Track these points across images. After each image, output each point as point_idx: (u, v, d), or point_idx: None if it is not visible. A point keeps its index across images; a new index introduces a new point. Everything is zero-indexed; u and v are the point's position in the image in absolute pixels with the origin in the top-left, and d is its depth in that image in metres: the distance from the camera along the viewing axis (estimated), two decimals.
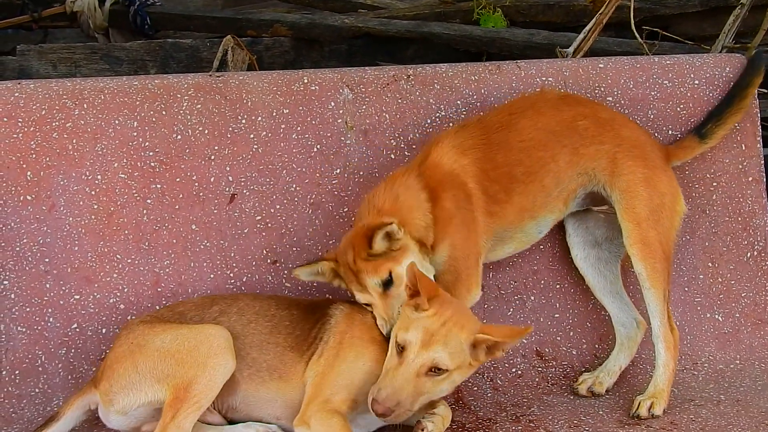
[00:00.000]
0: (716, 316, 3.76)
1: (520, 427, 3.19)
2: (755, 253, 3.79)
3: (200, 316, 3.15)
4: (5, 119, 3.41)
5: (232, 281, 3.49)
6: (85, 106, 3.47)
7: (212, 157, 3.52)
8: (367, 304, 3.14)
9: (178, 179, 3.49)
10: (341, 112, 3.63)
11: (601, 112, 3.51)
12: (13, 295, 3.37)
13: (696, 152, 3.70)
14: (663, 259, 3.34)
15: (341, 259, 3.17)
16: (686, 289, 3.73)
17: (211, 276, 3.48)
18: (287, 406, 3.07)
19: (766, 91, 4.65)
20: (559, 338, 3.63)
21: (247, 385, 3.06)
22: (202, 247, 3.49)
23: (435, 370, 2.86)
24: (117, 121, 3.48)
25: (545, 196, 3.40)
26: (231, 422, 3.09)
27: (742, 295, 3.79)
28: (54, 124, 3.43)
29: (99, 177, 3.44)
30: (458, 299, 3.11)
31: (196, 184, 3.50)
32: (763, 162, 3.88)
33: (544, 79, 3.77)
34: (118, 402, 2.98)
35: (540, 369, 3.57)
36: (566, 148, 3.40)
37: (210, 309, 3.17)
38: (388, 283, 3.10)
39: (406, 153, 3.63)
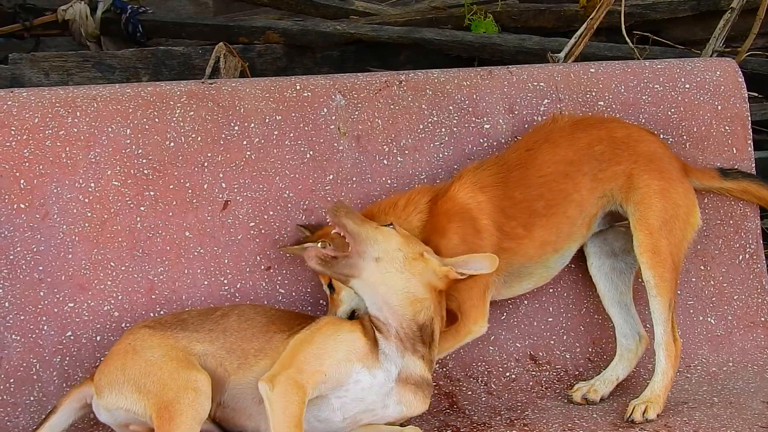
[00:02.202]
0: (709, 319, 3.77)
1: (514, 431, 3.19)
2: (747, 255, 3.81)
3: (202, 321, 3.16)
4: None
5: (226, 288, 3.49)
6: (77, 113, 3.47)
7: (205, 164, 3.52)
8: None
9: (171, 186, 3.49)
10: (334, 118, 3.64)
11: (616, 131, 3.51)
12: (7, 303, 3.36)
13: (712, 184, 3.69)
14: (672, 269, 3.35)
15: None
16: (678, 292, 3.72)
17: (205, 283, 3.48)
18: None
19: (756, 95, 4.68)
20: (552, 342, 3.64)
21: (236, 376, 3.06)
22: (195, 253, 3.49)
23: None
24: (110, 129, 3.48)
25: (570, 225, 3.41)
26: (219, 424, 3.10)
27: (735, 297, 3.80)
28: (47, 132, 3.43)
29: (92, 185, 3.44)
30: (463, 330, 3.15)
31: (190, 191, 3.50)
32: (754, 165, 3.90)
33: (535, 83, 3.79)
34: (103, 396, 3.01)
35: (534, 373, 3.58)
36: (587, 176, 3.40)
37: (213, 315, 3.19)
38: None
39: (398, 159, 3.64)
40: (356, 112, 3.66)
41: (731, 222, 3.82)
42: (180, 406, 2.87)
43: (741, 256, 3.81)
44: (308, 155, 3.60)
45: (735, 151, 3.87)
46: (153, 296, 3.44)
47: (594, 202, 3.42)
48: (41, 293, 3.38)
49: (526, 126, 3.73)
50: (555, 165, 3.40)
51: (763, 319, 3.80)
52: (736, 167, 3.79)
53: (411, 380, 3.04)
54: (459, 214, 3.31)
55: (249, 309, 3.24)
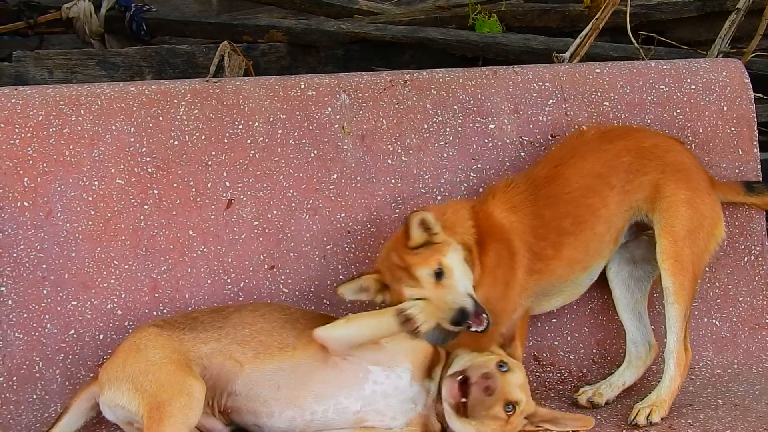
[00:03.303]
0: (714, 321, 3.76)
1: None
2: (752, 257, 3.80)
3: (212, 319, 3.16)
4: (2, 125, 3.40)
5: (230, 287, 3.49)
6: (82, 111, 3.47)
7: (209, 163, 3.52)
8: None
9: (175, 185, 3.49)
10: (338, 117, 3.63)
11: (644, 141, 3.49)
12: (10, 301, 3.36)
13: (736, 198, 3.69)
14: (692, 278, 3.34)
15: (385, 265, 3.17)
16: None
17: (209, 281, 3.48)
18: (293, 371, 3.08)
19: (762, 96, 4.67)
20: (556, 343, 3.63)
21: (252, 365, 3.07)
22: (199, 252, 3.49)
23: None
24: (114, 127, 3.48)
25: (598, 242, 3.40)
26: (230, 415, 3.10)
27: (740, 299, 3.79)
28: (51, 130, 3.43)
29: (96, 183, 3.44)
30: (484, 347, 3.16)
31: (194, 189, 3.50)
32: (760, 166, 3.89)
33: (540, 83, 3.78)
34: (104, 392, 3.02)
35: (538, 374, 3.57)
36: (615, 189, 3.39)
37: (224, 311, 3.20)
38: (439, 274, 3.10)
39: (403, 158, 3.64)
40: (361, 112, 3.65)
41: (736, 224, 3.80)
42: (171, 409, 2.87)
43: (746, 258, 3.80)
44: (312, 154, 3.59)
45: (740, 153, 3.86)
46: (156, 295, 3.44)
47: (621, 215, 3.41)
48: (44, 291, 3.38)
49: (531, 126, 3.73)
50: (582, 179, 3.38)
51: None
52: (759, 182, 3.78)
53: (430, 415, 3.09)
54: (496, 234, 3.28)
55: (263, 305, 3.26)
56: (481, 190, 3.66)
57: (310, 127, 3.61)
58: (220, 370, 3.06)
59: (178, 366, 2.99)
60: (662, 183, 3.40)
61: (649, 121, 3.80)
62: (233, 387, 3.07)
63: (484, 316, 3.08)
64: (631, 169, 3.41)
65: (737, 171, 3.83)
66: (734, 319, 3.77)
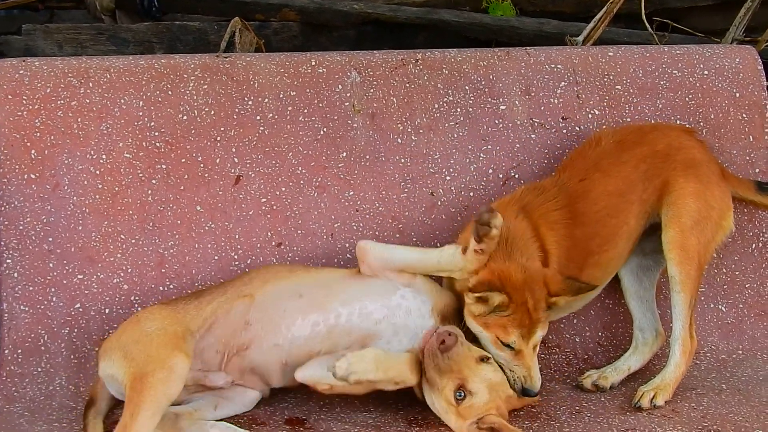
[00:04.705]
0: (720, 307, 3.75)
1: (522, 413, 3.18)
2: (760, 244, 3.78)
3: (217, 286, 3.23)
4: (10, 97, 3.40)
5: (236, 263, 3.48)
6: (90, 84, 3.46)
7: (218, 138, 3.51)
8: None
9: (183, 160, 3.48)
10: (348, 95, 3.62)
11: (657, 143, 3.47)
12: (16, 274, 3.36)
13: (746, 194, 3.66)
14: (698, 268, 3.34)
15: (518, 297, 3.05)
16: None
17: (216, 257, 3.48)
18: (315, 282, 3.20)
19: None
20: (562, 326, 3.61)
21: (264, 288, 3.17)
22: (206, 228, 3.48)
23: None
24: (122, 101, 3.47)
25: (618, 260, 3.42)
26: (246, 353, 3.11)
27: (746, 286, 3.77)
28: (59, 102, 3.43)
29: (104, 156, 3.44)
30: None
31: (202, 165, 3.50)
32: None
33: (553, 66, 3.76)
34: (100, 364, 3.05)
35: (543, 356, 3.55)
36: (635, 203, 3.38)
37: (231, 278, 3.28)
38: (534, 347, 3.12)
39: (413, 137, 3.63)
40: (371, 90, 3.64)
41: (744, 210, 3.78)
42: (153, 381, 2.87)
43: (754, 245, 3.78)
44: (322, 132, 3.58)
45: (752, 139, 3.84)
46: (163, 270, 3.44)
47: (640, 226, 3.41)
48: (50, 264, 3.38)
49: (542, 108, 3.72)
50: (608, 198, 3.36)
51: None
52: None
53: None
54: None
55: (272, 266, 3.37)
56: (490, 171, 3.65)
57: (320, 105, 3.60)
58: (228, 315, 3.11)
59: (171, 338, 2.99)
60: (671, 179, 3.39)
61: (660, 105, 3.78)
62: (247, 318, 3.11)
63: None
64: (646, 177, 3.40)
65: (747, 158, 3.82)
66: (740, 306, 3.75)
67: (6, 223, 3.37)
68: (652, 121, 3.77)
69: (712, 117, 3.83)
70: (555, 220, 3.29)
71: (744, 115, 3.85)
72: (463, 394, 2.96)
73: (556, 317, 3.49)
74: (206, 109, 3.52)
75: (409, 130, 3.63)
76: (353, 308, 3.11)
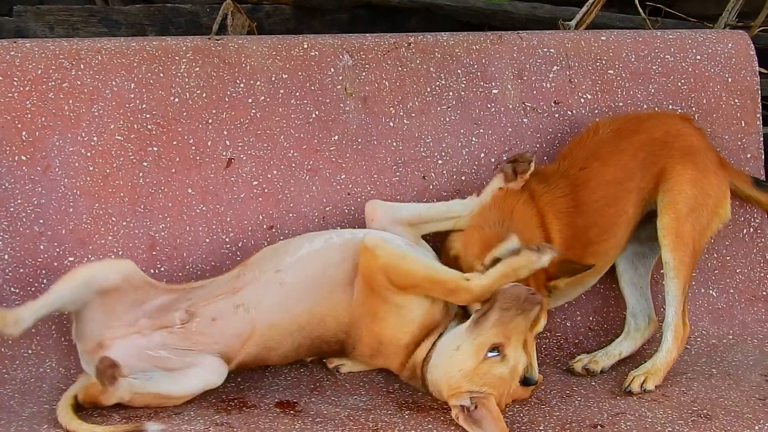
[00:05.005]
0: (711, 292, 3.76)
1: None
2: (751, 230, 3.79)
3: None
4: (0, 78, 3.38)
5: (228, 246, 3.48)
6: (81, 66, 3.45)
7: (210, 121, 3.50)
8: None
9: (174, 142, 3.48)
10: (341, 78, 3.61)
11: (655, 131, 3.46)
12: (6, 256, 3.35)
13: (742, 187, 3.65)
14: (692, 254, 3.34)
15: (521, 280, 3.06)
16: None
17: (207, 240, 3.47)
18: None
19: (766, 71, 4.64)
20: (553, 310, 3.61)
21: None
22: (198, 211, 3.48)
23: None
24: (114, 83, 3.46)
25: (616, 248, 3.42)
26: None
27: (737, 271, 3.78)
28: (50, 84, 3.41)
29: (95, 138, 3.43)
30: None
31: (193, 147, 3.49)
32: (762, 139, 3.87)
33: (545, 50, 3.76)
34: None
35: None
36: (632, 192, 3.38)
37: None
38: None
39: (405, 121, 3.62)
40: (363, 73, 3.63)
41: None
42: None
43: (745, 230, 3.79)
44: (314, 115, 3.58)
45: (743, 125, 3.84)
46: (154, 252, 3.43)
47: (638, 214, 3.42)
48: (41, 246, 3.37)
49: (534, 92, 3.72)
50: (606, 187, 3.36)
51: (764, 293, 3.79)
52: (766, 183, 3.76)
53: None
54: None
55: None
56: (482, 155, 3.65)
57: (312, 88, 3.59)
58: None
59: None
60: (669, 167, 3.39)
61: (653, 90, 3.78)
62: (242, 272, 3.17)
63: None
64: (644, 165, 3.40)
65: (739, 143, 3.82)
66: (731, 291, 3.77)
67: None
68: (645, 106, 3.77)
69: (704, 102, 3.83)
70: (560, 208, 3.29)
71: (736, 101, 3.85)
72: (497, 353, 2.90)
73: (555, 304, 3.49)
74: (198, 92, 3.51)
75: (401, 113, 3.63)
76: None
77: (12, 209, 3.36)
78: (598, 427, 2.97)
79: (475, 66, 3.71)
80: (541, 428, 2.94)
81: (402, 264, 3.03)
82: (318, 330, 3.10)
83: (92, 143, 3.42)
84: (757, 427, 2.95)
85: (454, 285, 2.98)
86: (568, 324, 3.65)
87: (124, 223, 3.42)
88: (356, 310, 3.08)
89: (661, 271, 3.42)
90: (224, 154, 3.50)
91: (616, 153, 3.41)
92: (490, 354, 2.88)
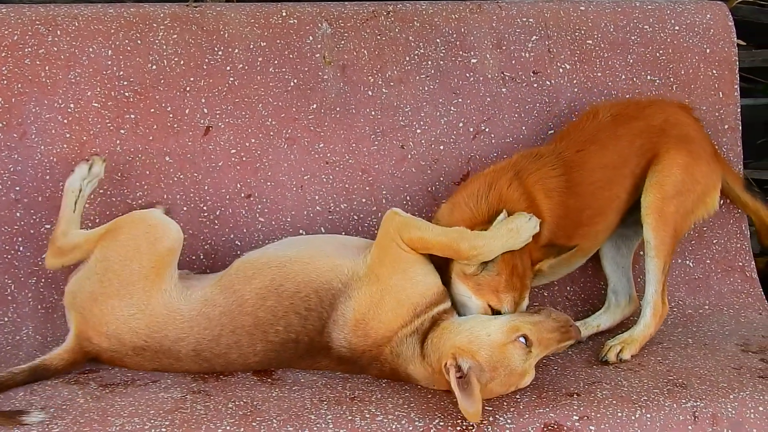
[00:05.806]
0: (687, 262, 3.78)
1: None
2: (727, 201, 3.80)
3: None
4: None
5: (205, 214, 3.47)
6: (58, 32, 3.42)
7: (187, 89, 3.49)
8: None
9: (152, 110, 3.46)
10: (319, 46, 3.60)
11: (653, 118, 3.46)
12: None
13: (732, 183, 3.65)
14: (673, 235, 3.34)
15: (508, 257, 3.04)
16: None
17: (184, 209, 3.46)
18: None
19: (744, 43, 4.65)
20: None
21: None
22: (175, 179, 3.46)
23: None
24: (91, 49, 3.43)
25: (606, 231, 3.42)
26: None
27: (714, 242, 3.80)
28: (26, 50, 3.39)
29: (72, 105, 3.40)
30: None
31: (171, 115, 3.47)
32: (739, 110, 3.88)
33: (524, 19, 3.75)
34: None
35: None
36: (627, 177, 3.38)
37: None
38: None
39: (384, 90, 3.61)
40: (342, 42, 3.62)
41: None
42: None
43: (722, 201, 3.80)
44: (292, 83, 3.56)
45: (721, 96, 3.85)
46: None
47: (631, 198, 3.42)
48: (17, 214, 3.35)
49: (513, 62, 3.71)
50: (602, 170, 3.35)
51: (740, 263, 3.81)
52: (758, 190, 3.76)
53: None
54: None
55: None
56: (461, 125, 3.65)
57: (291, 56, 3.57)
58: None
59: None
60: (662, 152, 3.38)
61: (631, 60, 3.78)
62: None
63: None
64: (641, 151, 3.40)
65: (717, 114, 3.83)
66: (707, 261, 3.79)
67: None
68: (623, 76, 3.78)
69: (683, 73, 3.84)
70: (552, 187, 3.26)
71: (714, 71, 3.86)
72: (525, 341, 2.87)
73: (539, 283, 3.50)
74: (175, 59, 3.49)
75: (380, 82, 3.62)
76: None
77: None
78: (575, 395, 2.98)
79: (454, 35, 3.70)
80: (517, 396, 2.95)
81: (416, 223, 3.03)
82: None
83: (69, 110, 3.40)
84: (731, 396, 2.97)
85: (460, 235, 2.99)
86: (545, 294, 3.66)
87: (101, 191, 3.41)
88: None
89: (641, 253, 3.44)
90: (202, 122, 3.49)
91: (614, 138, 3.40)
92: (521, 339, 2.87)
